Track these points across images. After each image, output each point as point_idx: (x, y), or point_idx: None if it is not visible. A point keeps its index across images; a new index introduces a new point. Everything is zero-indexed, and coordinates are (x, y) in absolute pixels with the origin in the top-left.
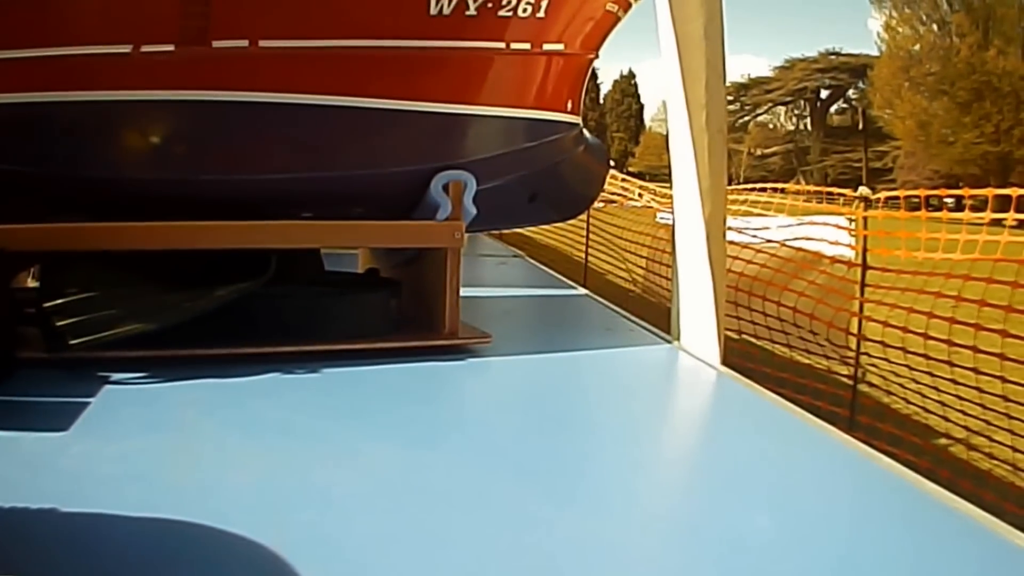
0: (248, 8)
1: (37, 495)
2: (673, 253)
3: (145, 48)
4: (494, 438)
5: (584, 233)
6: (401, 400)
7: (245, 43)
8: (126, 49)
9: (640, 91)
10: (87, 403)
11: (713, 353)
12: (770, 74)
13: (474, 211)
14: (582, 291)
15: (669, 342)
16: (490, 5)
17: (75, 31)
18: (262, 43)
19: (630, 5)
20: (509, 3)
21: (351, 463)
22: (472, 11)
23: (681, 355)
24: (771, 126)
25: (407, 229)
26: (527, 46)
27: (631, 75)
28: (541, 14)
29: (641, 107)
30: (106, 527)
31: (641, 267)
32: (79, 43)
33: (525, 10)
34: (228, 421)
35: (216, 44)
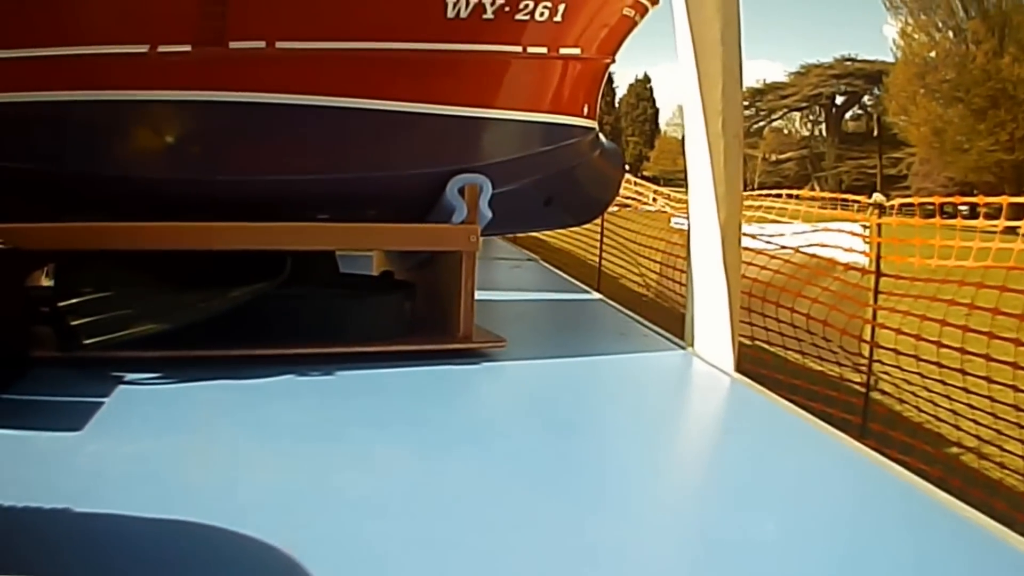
0: (265, 9)
1: (51, 494)
2: (688, 259)
3: (162, 48)
4: (509, 443)
5: (598, 237)
6: (416, 403)
7: (262, 44)
8: (143, 49)
9: (655, 95)
10: (101, 403)
11: (727, 359)
12: (785, 80)
13: (489, 215)
14: (596, 295)
15: (683, 348)
16: (507, 9)
17: (92, 30)
18: (279, 44)
19: (647, 9)
20: (526, 7)
21: (366, 466)
22: (489, 14)
23: (695, 361)
24: (786, 132)
25: (422, 232)
26: (544, 50)
27: (646, 79)
28: (558, 18)
29: (656, 111)
30: (120, 527)
31: (655, 272)
32: (96, 42)
33: (542, 14)
34: (243, 423)
35: (233, 45)
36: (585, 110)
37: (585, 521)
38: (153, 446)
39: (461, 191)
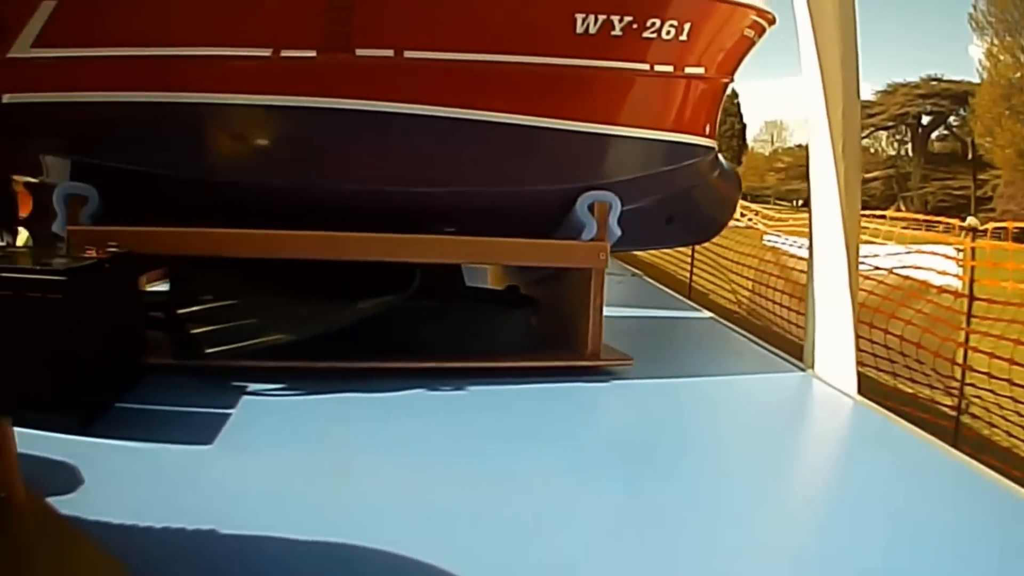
0: (393, 18)
1: (185, 514)
2: (809, 280)
3: (285, 53)
4: (647, 464)
5: (687, 252)
6: (553, 421)
7: (390, 53)
8: (265, 53)
9: (743, 111)
10: (227, 414)
11: (850, 382)
12: (872, 98)
13: (619, 232)
14: (706, 314)
15: (802, 369)
16: (635, 26)
17: (212, 32)
18: (408, 54)
19: (764, 30)
20: (653, 25)
21: (513, 485)
22: (618, 31)
23: (816, 383)
24: (872, 150)
25: (553, 248)
26: (670, 68)
27: (734, 94)
28: (684, 37)
29: (743, 127)
30: (265, 551)
31: (747, 289)
32: (216, 44)
33: (668, 32)
34: (379, 438)
35: (360, 52)
36: (707, 130)
37: (725, 546)
38: (290, 462)
39: (591, 208)
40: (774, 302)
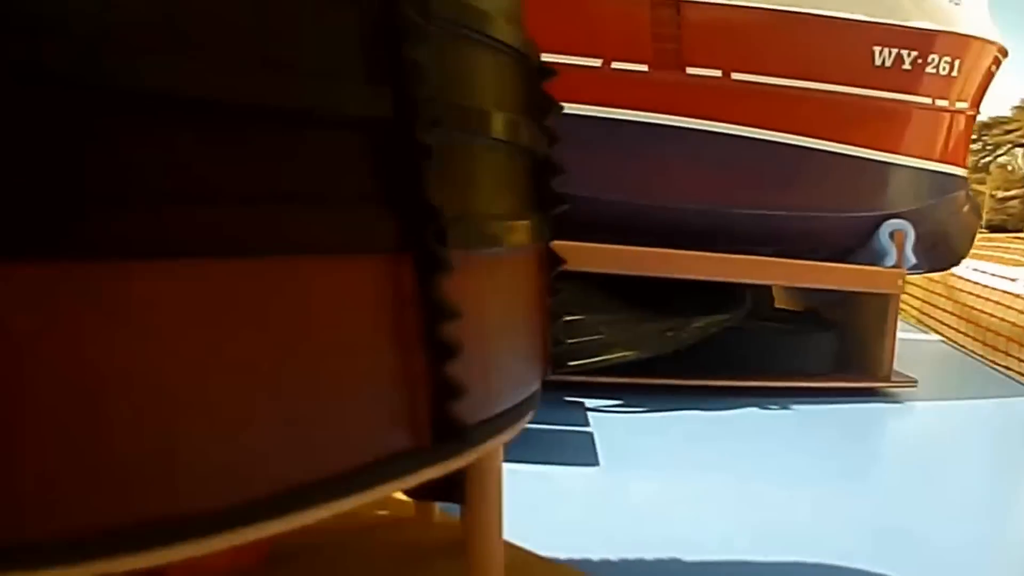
0: (720, 40)
1: (641, 542)
2: None
3: (616, 65)
4: (961, 487)
5: None
6: (890, 443)
7: (718, 73)
8: (595, 63)
9: None
10: (587, 432)
11: None
12: (1009, 113)
13: (914, 260)
14: (935, 336)
15: None
16: (920, 61)
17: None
18: (734, 75)
19: (1000, 64)
20: (933, 61)
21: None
22: (907, 65)
23: None
24: (1010, 168)
25: (860, 273)
26: (946, 103)
27: None
28: (955, 73)
29: None
30: None
31: (914, 308)
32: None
33: (944, 68)
34: (760, 459)
35: (690, 71)
36: (966, 162)
37: None
38: (694, 484)
39: (891, 235)
40: (940, 322)
